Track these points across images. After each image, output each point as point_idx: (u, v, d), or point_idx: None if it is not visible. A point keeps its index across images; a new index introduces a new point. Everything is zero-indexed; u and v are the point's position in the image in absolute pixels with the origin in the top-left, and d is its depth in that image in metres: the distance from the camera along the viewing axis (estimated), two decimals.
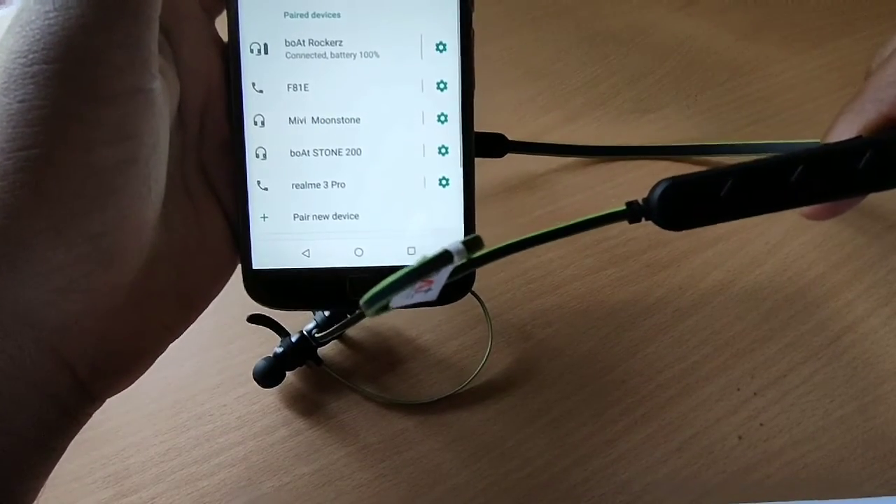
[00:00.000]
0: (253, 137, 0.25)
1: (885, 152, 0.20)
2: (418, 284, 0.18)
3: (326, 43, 0.25)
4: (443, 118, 0.26)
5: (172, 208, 0.23)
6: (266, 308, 0.27)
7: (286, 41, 0.25)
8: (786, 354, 0.34)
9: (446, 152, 0.26)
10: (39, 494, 0.22)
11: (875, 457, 0.31)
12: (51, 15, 0.18)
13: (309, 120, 0.25)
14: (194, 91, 0.24)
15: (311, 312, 0.33)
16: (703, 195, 0.20)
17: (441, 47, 0.25)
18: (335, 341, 0.35)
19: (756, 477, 0.30)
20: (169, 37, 0.23)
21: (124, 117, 0.20)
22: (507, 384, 0.34)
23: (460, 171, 0.26)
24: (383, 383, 0.34)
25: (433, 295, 0.19)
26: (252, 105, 0.25)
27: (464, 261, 0.18)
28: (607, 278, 0.38)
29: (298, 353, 0.32)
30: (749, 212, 0.21)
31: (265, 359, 0.32)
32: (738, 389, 0.33)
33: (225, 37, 0.25)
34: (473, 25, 0.25)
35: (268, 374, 0.32)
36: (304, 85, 0.25)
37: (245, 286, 0.26)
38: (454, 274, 0.19)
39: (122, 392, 0.23)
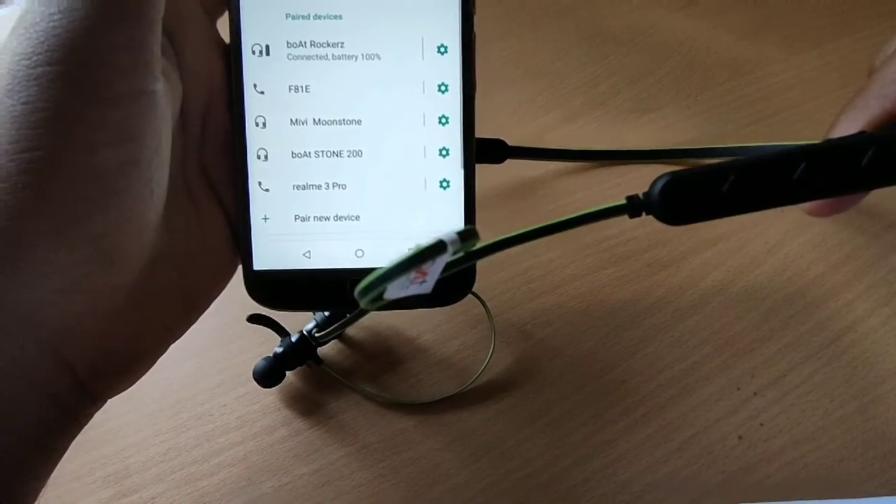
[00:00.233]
0: (254, 139, 0.25)
1: (888, 148, 0.20)
2: (413, 276, 0.18)
3: (328, 45, 0.25)
4: (444, 120, 0.26)
5: (174, 209, 0.23)
6: (267, 309, 0.27)
7: (288, 43, 0.25)
8: (786, 354, 0.34)
9: (447, 154, 0.26)
10: (40, 494, 0.22)
11: (875, 457, 0.31)
12: (55, 17, 0.18)
13: (310, 121, 0.25)
14: (196, 93, 0.24)
15: (311, 312, 0.33)
16: (704, 190, 0.20)
17: (442, 49, 0.25)
18: (335, 341, 0.35)
19: (756, 477, 0.31)
20: (171, 39, 0.23)
21: (127, 119, 0.20)
22: (506, 384, 0.34)
23: (461, 173, 0.26)
24: (383, 383, 0.34)
25: (428, 287, 0.19)
26: (253, 106, 0.25)
27: (458, 250, 0.18)
28: (607, 278, 0.38)
29: (298, 352, 0.32)
30: (750, 207, 0.20)
31: (265, 359, 0.33)
32: (738, 389, 0.33)
33: (227, 38, 0.25)
34: (474, 27, 0.26)
35: (268, 374, 0.32)
36: (306, 86, 0.25)
37: (246, 287, 0.26)
38: (453, 266, 0.19)
39: (122, 392, 0.23)
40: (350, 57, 0.25)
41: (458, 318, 0.36)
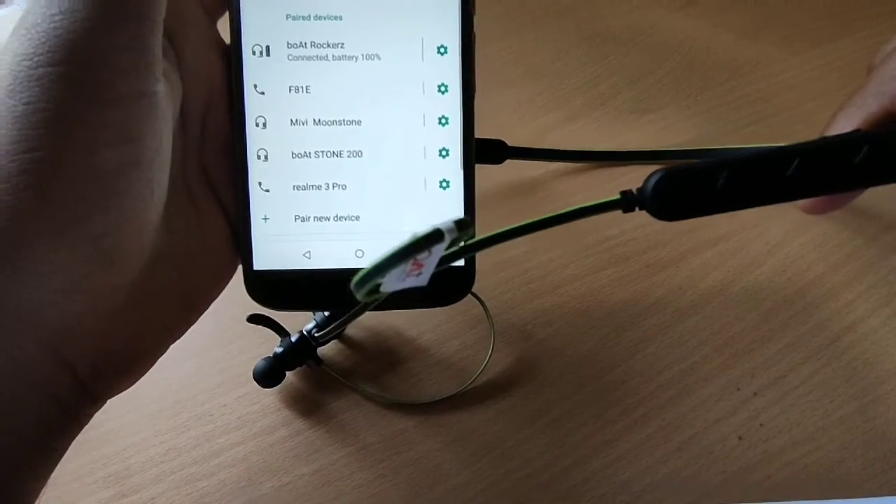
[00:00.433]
0: (254, 139, 0.25)
1: (883, 146, 0.20)
2: (410, 268, 0.18)
3: (328, 45, 0.25)
4: (444, 121, 0.26)
5: (174, 209, 0.23)
6: (267, 309, 0.27)
7: (288, 43, 0.25)
8: (786, 355, 0.34)
9: (447, 155, 0.26)
10: (40, 494, 0.22)
11: (875, 457, 0.31)
12: (56, 18, 0.19)
13: (310, 122, 0.25)
14: (196, 93, 0.24)
15: (311, 312, 0.33)
16: (698, 186, 0.20)
17: (442, 50, 0.25)
18: (335, 341, 0.35)
19: (756, 477, 0.31)
20: (172, 39, 0.23)
21: (128, 120, 0.20)
22: (506, 384, 0.34)
23: (461, 173, 0.26)
24: (383, 383, 0.34)
25: (424, 280, 0.19)
26: (254, 107, 0.25)
27: (455, 240, 0.18)
28: (607, 278, 0.38)
29: (298, 353, 0.32)
30: (744, 204, 0.20)
31: (265, 359, 0.33)
32: (738, 389, 0.33)
33: (227, 39, 0.25)
34: (474, 27, 0.26)
35: (268, 375, 0.32)
36: (306, 87, 0.25)
37: (246, 287, 0.26)
38: (450, 259, 0.19)
39: (122, 392, 0.23)
40: (350, 57, 0.25)
41: (458, 318, 0.36)
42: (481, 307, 0.35)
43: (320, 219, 0.26)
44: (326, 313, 0.33)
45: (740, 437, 0.32)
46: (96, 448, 0.31)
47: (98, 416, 0.23)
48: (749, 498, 0.30)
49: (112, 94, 0.19)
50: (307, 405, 0.33)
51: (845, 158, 0.20)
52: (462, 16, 0.25)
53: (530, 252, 0.39)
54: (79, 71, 0.19)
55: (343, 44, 0.25)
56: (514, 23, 0.53)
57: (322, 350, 0.34)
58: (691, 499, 0.30)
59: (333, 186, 0.26)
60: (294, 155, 0.26)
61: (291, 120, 0.25)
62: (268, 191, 0.26)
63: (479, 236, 0.19)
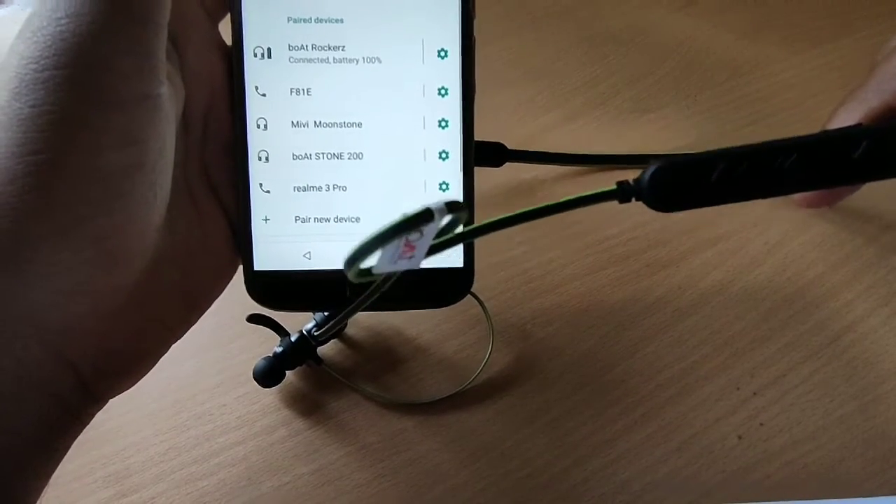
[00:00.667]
0: (255, 140, 0.25)
1: (882, 141, 0.20)
2: (402, 249, 0.18)
3: (329, 48, 0.25)
4: (443, 123, 0.26)
5: (175, 210, 0.23)
6: (267, 309, 0.27)
7: (289, 45, 0.25)
8: (785, 354, 0.34)
9: (447, 157, 0.26)
10: (42, 494, 0.22)
11: (875, 456, 0.31)
12: (62, 21, 0.19)
13: (311, 124, 0.26)
14: (198, 94, 0.24)
15: (310, 312, 0.33)
16: (694, 178, 0.20)
17: (442, 53, 0.26)
18: (335, 341, 0.35)
19: (756, 477, 0.31)
20: (174, 41, 0.23)
21: (132, 123, 0.20)
22: (506, 384, 0.34)
23: (460, 175, 0.26)
24: (383, 383, 0.34)
25: (416, 262, 0.19)
26: (255, 108, 0.25)
27: (450, 223, 0.18)
28: (607, 278, 0.38)
29: (298, 352, 0.32)
30: (740, 196, 0.20)
31: (265, 358, 0.33)
32: (738, 389, 0.33)
33: (228, 41, 0.25)
34: (474, 30, 0.26)
35: (268, 374, 0.32)
36: (307, 89, 0.25)
37: (246, 287, 0.26)
38: (443, 247, 0.19)
39: (123, 392, 0.23)
40: (351, 60, 0.25)
41: (458, 317, 0.36)
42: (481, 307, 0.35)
43: (320, 220, 0.26)
44: (326, 313, 0.33)
45: (740, 437, 0.32)
46: (96, 448, 0.31)
47: (98, 416, 0.23)
48: (749, 497, 0.30)
49: (116, 97, 0.19)
50: (307, 405, 0.33)
51: (844, 153, 0.20)
52: (462, 19, 0.25)
53: (530, 252, 0.39)
54: (84, 74, 0.19)
55: (344, 46, 0.25)
56: (514, 23, 0.53)
57: (322, 350, 0.34)
58: (691, 498, 0.30)
59: (334, 188, 0.26)
60: (295, 156, 0.26)
61: (292, 122, 0.25)
62: (268, 192, 0.26)
63: (473, 224, 0.19)
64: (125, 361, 0.23)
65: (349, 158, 0.26)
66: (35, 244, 0.19)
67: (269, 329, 0.33)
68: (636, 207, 0.21)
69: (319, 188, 0.26)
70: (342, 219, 0.26)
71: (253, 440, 0.32)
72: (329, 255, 0.26)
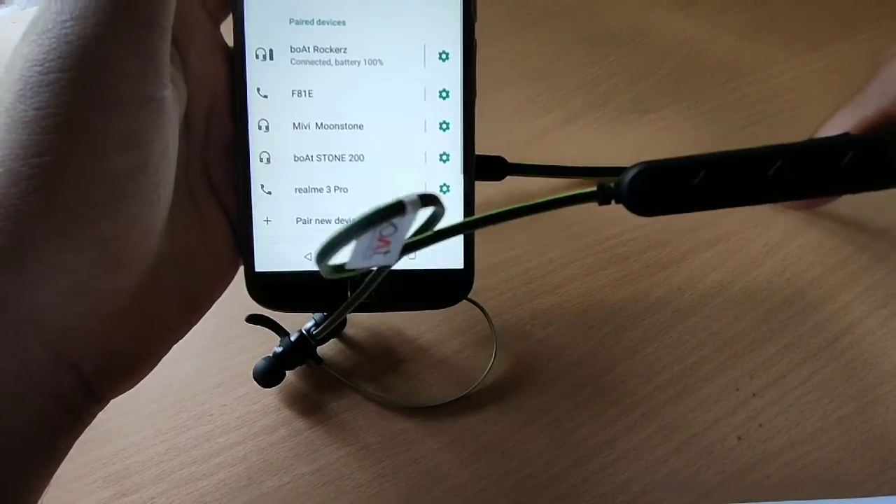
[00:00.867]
0: (257, 142, 0.25)
1: (868, 153, 0.19)
2: (376, 243, 0.17)
3: (331, 50, 0.25)
4: (444, 126, 0.26)
5: (176, 211, 0.23)
6: (268, 310, 0.27)
7: (291, 47, 0.25)
8: (784, 355, 0.35)
9: (448, 159, 0.26)
10: (43, 494, 0.22)
11: (874, 457, 0.31)
12: (67, 24, 0.19)
13: (313, 125, 0.26)
14: (200, 96, 0.24)
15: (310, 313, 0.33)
16: (675, 183, 0.20)
17: (444, 56, 0.26)
18: (335, 341, 0.35)
19: (755, 477, 0.31)
20: (176, 43, 0.23)
21: (135, 125, 0.20)
22: (506, 384, 0.34)
23: (461, 177, 0.26)
24: (383, 383, 0.34)
25: (392, 258, 0.18)
26: (257, 110, 0.25)
27: (431, 220, 0.17)
28: (607, 278, 0.38)
29: (298, 352, 0.32)
30: (723, 203, 0.20)
31: (265, 358, 0.33)
32: (737, 390, 0.33)
33: (230, 42, 0.25)
34: (475, 33, 0.26)
35: (268, 374, 0.32)
36: (309, 91, 0.25)
37: (247, 288, 0.26)
38: (418, 246, 0.19)
39: (124, 392, 0.23)
40: (353, 62, 0.25)
41: (458, 317, 0.36)
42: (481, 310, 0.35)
43: (321, 221, 0.26)
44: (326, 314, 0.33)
45: (739, 438, 0.32)
46: (96, 448, 0.31)
47: (98, 416, 0.23)
48: (748, 498, 0.30)
49: (120, 99, 0.19)
50: (307, 405, 0.33)
51: (830, 162, 0.20)
52: (463, 22, 0.25)
53: (530, 252, 0.39)
54: (88, 77, 0.19)
55: (346, 49, 0.25)
56: (515, 23, 0.53)
57: (322, 350, 0.34)
58: (691, 499, 0.30)
59: (335, 189, 0.26)
60: (296, 158, 0.26)
61: (294, 123, 0.26)
62: (270, 193, 0.26)
63: (451, 223, 0.19)
64: (126, 362, 0.23)
65: (350, 160, 0.26)
66: (38, 246, 0.19)
67: (269, 329, 0.33)
68: None
69: (320, 190, 0.26)
70: (343, 220, 0.26)
71: (253, 440, 0.32)
72: None
